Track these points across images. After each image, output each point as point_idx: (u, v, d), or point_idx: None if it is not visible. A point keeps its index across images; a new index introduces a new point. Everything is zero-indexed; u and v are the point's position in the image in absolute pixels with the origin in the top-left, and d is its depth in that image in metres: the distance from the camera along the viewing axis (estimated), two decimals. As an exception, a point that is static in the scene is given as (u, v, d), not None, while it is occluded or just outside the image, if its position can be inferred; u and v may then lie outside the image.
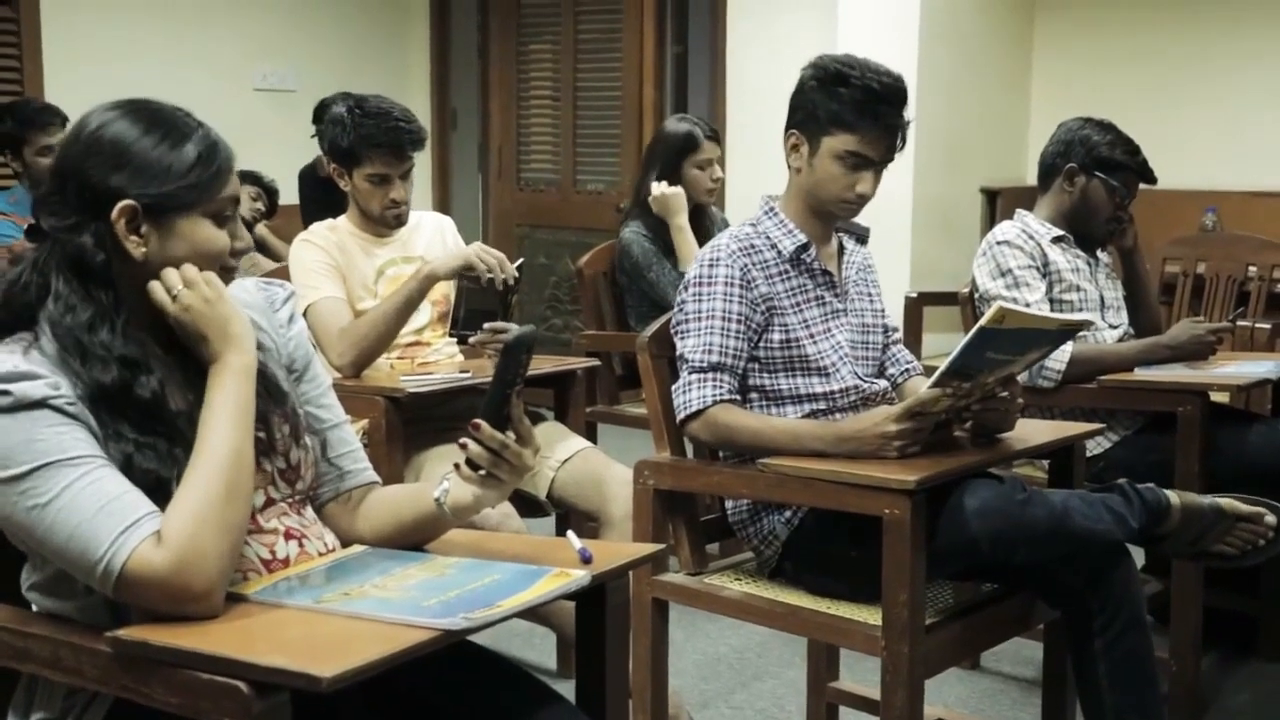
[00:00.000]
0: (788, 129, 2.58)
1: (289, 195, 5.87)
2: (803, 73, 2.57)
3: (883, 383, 2.66)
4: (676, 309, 2.57)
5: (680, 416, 2.52)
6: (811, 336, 2.56)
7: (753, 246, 2.56)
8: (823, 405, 2.56)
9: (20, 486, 1.51)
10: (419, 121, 3.29)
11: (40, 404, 1.53)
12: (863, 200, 2.55)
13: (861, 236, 2.68)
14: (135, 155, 1.62)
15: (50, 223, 1.64)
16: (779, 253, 2.57)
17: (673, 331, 2.58)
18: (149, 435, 1.59)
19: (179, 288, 1.64)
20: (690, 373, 2.51)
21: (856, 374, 2.60)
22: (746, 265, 2.53)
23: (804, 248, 2.58)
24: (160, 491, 1.56)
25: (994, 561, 2.39)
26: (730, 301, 2.50)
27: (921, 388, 2.35)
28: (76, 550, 1.50)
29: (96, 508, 1.50)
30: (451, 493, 1.75)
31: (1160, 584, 3.18)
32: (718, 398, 2.48)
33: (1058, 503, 2.33)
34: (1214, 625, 3.24)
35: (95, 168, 1.62)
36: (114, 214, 1.61)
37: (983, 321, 2.20)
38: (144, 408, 1.60)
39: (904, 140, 2.55)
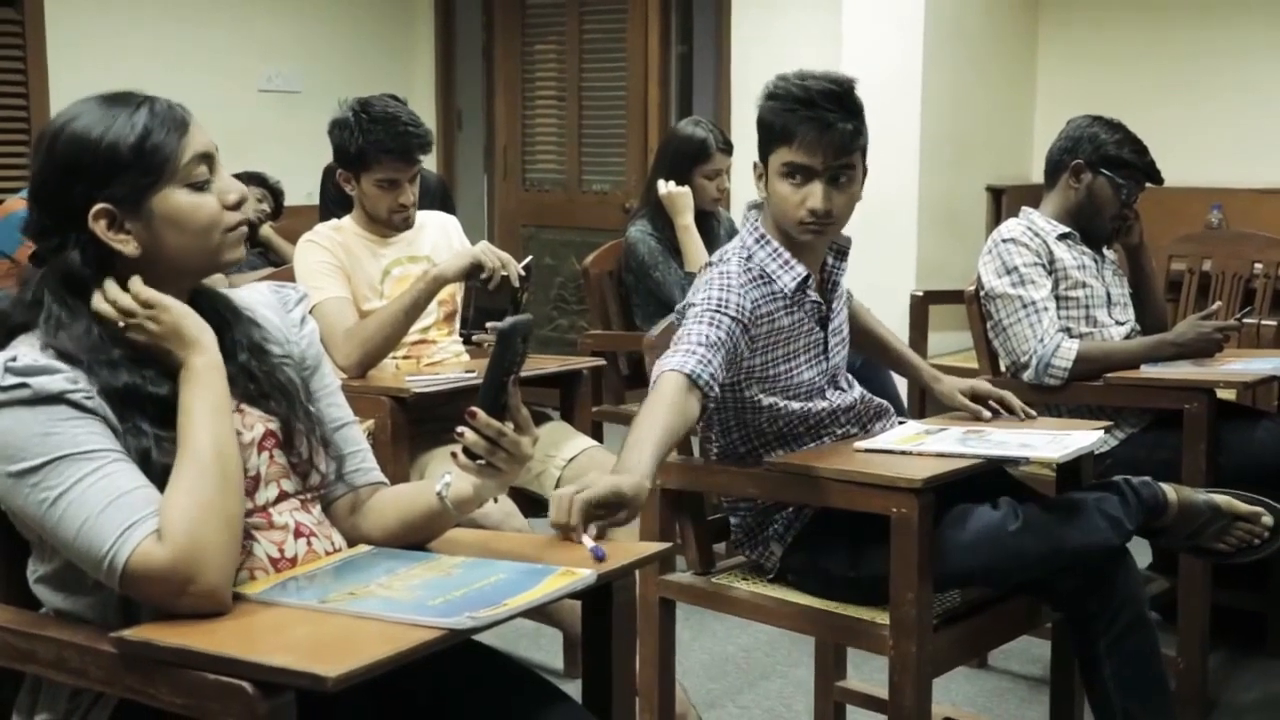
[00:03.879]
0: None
1: (294, 196, 5.87)
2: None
3: (855, 393, 2.57)
4: (686, 307, 2.39)
5: (668, 369, 2.22)
6: (799, 367, 2.48)
7: (760, 278, 2.41)
8: (800, 428, 2.50)
9: (33, 479, 1.52)
10: (425, 124, 3.29)
11: (58, 398, 1.53)
12: (817, 216, 2.35)
13: (842, 249, 2.56)
14: (87, 158, 1.61)
15: (39, 246, 1.66)
16: (779, 289, 2.42)
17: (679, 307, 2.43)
18: (166, 429, 1.59)
19: (120, 320, 1.62)
20: (699, 346, 2.25)
21: (828, 398, 2.52)
22: (757, 299, 2.38)
23: (804, 281, 2.43)
24: None
25: (989, 586, 2.41)
26: (735, 333, 2.32)
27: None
28: (84, 546, 1.51)
29: (105, 503, 1.50)
30: (453, 486, 1.75)
31: (1167, 582, 3.17)
32: (692, 371, 2.22)
33: (1051, 523, 2.30)
34: (1222, 623, 3.24)
35: (59, 183, 1.62)
36: (89, 222, 1.61)
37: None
38: (160, 403, 1.60)
39: (859, 144, 2.35)
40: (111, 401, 1.57)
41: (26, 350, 1.58)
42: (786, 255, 2.43)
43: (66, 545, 1.53)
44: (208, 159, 1.66)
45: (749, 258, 2.44)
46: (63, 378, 1.54)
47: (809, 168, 2.33)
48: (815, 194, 2.33)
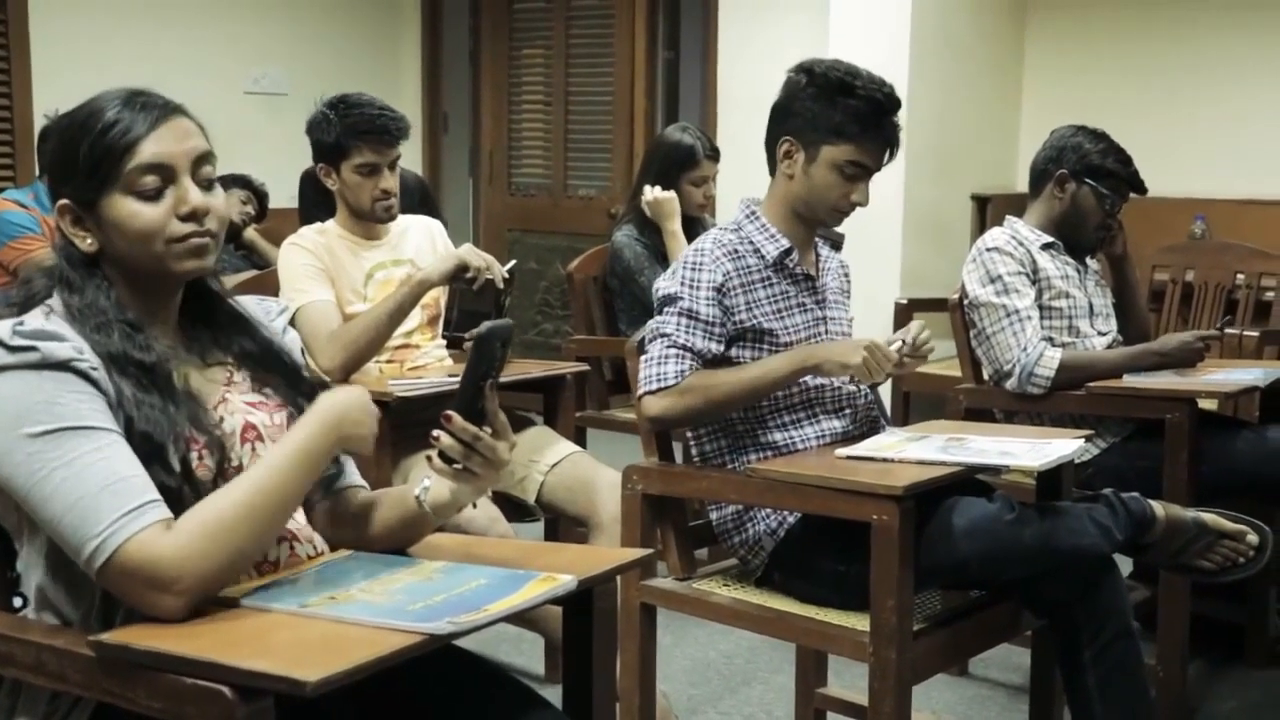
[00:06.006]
0: (780, 135, 2.55)
1: (279, 199, 5.86)
2: (793, 78, 2.54)
3: (861, 388, 2.63)
4: (658, 293, 2.55)
5: (653, 387, 2.49)
6: (793, 344, 2.55)
7: (735, 252, 2.55)
8: (802, 414, 2.55)
9: (31, 448, 1.51)
10: (401, 112, 3.29)
11: (65, 365, 1.54)
12: (854, 208, 2.55)
13: (836, 242, 2.67)
14: (61, 155, 1.66)
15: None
16: (762, 258, 2.56)
17: (655, 299, 2.57)
18: (147, 394, 1.59)
19: None
20: (669, 346, 2.49)
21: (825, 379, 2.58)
22: (729, 271, 2.52)
23: (787, 253, 2.57)
24: (156, 459, 1.56)
25: (982, 579, 2.40)
26: (712, 306, 2.50)
27: None
28: (71, 523, 1.50)
29: (102, 485, 1.50)
30: (431, 490, 1.75)
31: (1148, 591, 3.18)
32: (693, 369, 2.48)
33: (1045, 520, 2.33)
34: (1201, 632, 3.25)
35: (50, 174, 1.70)
36: (55, 216, 1.66)
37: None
38: (146, 369, 1.61)
39: (897, 148, 2.54)
40: (109, 369, 1.58)
41: (31, 318, 1.60)
42: (773, 229, 2.58)
43: (51, 521, 1.51)
44: (160, 169, 1.63)
45: (737, 229, 2.59)
46: (70, 346, 1.55)
47: (868, 169, 2.51)
48: (863, 190, 2.52)
